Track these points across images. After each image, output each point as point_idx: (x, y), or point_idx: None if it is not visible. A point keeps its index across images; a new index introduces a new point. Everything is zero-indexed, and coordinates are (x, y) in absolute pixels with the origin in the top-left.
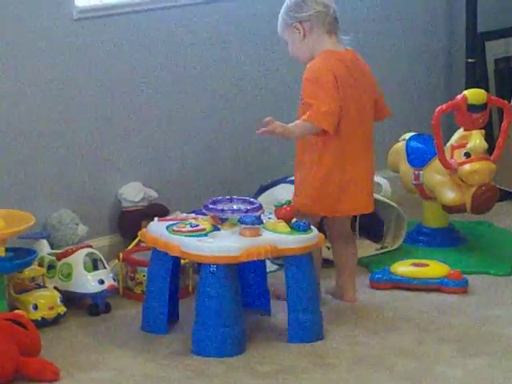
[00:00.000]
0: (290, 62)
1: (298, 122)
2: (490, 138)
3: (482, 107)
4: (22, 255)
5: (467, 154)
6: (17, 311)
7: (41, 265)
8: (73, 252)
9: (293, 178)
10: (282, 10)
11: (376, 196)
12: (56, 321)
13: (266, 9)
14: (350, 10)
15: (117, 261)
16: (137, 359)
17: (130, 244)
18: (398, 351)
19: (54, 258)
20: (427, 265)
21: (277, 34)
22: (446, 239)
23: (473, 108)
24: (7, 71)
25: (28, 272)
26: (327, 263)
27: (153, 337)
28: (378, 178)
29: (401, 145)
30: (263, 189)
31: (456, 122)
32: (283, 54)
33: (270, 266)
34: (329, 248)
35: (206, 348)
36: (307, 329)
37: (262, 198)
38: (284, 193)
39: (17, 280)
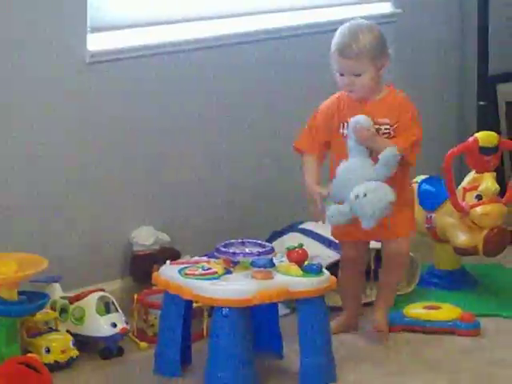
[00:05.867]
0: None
1: (385, 140)
2: (501, 180)
3: (494, 150)
4: (34, 299)
5: (479, 197)
6: (29, 355)
7: (53, 308)
8: (85, 295)
9: (302, 226)
10: (370, 40)
11: None
12: (69, 364)
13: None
14: None
15: (135, 304)
16: None
17: (142, 287)
18: None
19: (67, 301)
20: (440, 307)
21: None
22: (458, 282)
23: (484, 150)
24: (18, 117)
25: (40, 316)
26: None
27: (166, 380)
28: None
29: (412, 188)
30: (275, 235)
31: (467, 164)
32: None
33: (282, 310)
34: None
35: None
36: (319, 372)
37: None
38: (294, 242)
39: (29, 323)
